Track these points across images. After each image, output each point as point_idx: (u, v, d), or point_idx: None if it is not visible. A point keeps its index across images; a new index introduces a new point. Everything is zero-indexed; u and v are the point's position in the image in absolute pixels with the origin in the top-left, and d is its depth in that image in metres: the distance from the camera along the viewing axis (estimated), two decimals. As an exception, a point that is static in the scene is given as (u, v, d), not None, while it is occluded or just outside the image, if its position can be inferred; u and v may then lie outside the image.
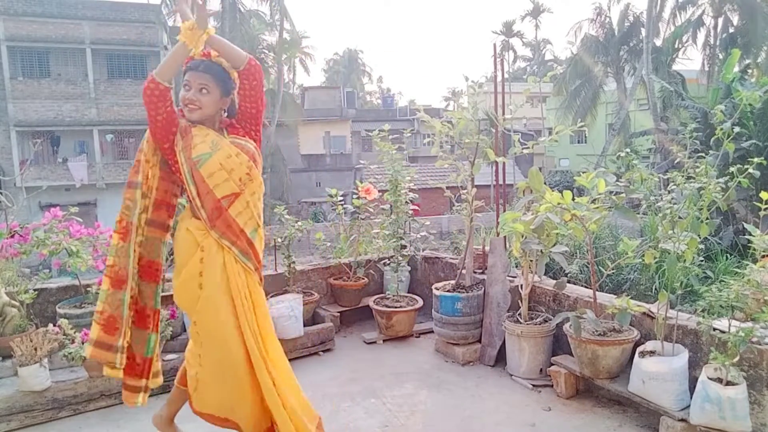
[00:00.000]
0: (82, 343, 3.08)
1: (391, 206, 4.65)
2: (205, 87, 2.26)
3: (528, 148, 3.76)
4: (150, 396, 3.24)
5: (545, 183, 3.34)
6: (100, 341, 2.23)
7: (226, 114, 2.42)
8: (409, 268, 4.85)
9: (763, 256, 2.70)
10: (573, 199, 3.11)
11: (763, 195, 2.67)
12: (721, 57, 24.15)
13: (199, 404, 2.33)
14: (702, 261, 2.97)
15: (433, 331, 4.13)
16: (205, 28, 2.21)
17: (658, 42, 25.28)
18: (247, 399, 2.29)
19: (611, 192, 3.13)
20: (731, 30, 24.86)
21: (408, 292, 4.72)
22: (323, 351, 4.04)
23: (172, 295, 3.73)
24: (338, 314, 4.48)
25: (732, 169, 2.79)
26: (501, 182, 4.22)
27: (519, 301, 3.59)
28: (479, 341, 3.86)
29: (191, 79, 2.26)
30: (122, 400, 2.46)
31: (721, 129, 2.89)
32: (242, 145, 2.33)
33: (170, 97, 2.23)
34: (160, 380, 2.55)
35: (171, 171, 2.35)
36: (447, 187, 4.42)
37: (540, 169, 3.77)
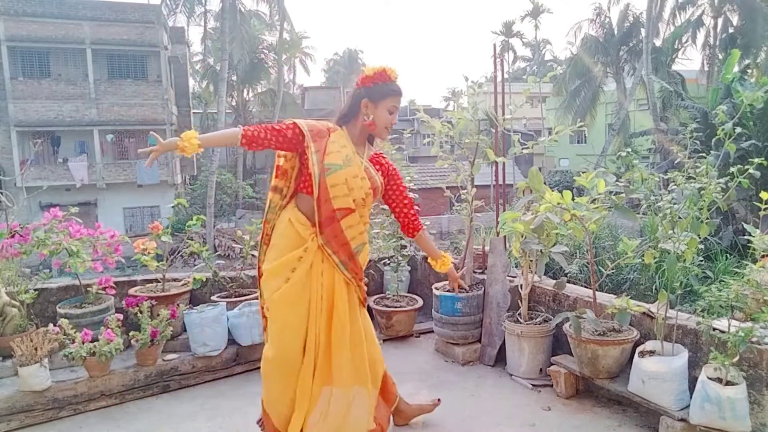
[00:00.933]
0: (83, 343, 3.08)
1: (391, 206, 4.65)
2: (397, 109, 2.48)
3: (528, 148, 3.77)
4: (150, 396, 3.27)
5: (545, 183, 3.34)
6: None
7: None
8: (409, 268, 4.85)
9: (763, 256, 2.71)
10: (573, 199, 3.11)
11: (763, 195, 2.67)
12: (720, 57, 24.18)
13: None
14: (702, 261, 2.97)
15: (433, 331, 4.13)
16: (173, 149, 2.21)
17: (658, 42, 25.29)
18: (287, 399, 2.35)
19: (611, 192, 3.13)
20: (731, 30, 24.87)
21: (408, 292, 4.72)
22: (323, 351, 4.04)
23: (171, 295, 3.75)
24: (338, 314, 4.48)
25: (732, 169, 2.79)
26: (501, 182, 4.22)
27: (519, 301, 3.60)
28: (479, 341, 3.87)
29: (397, 105, 2.47)
30: None
31: (723, 129, 2.89)
32: (370, 173, 2.47)
33: (265, 144, 2.32)
34: None
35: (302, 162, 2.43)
36: (447, 187, 4.43)
37: (540, 169, 3.77)
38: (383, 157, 2.62)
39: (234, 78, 30.90)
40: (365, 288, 2.54)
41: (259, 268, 2.48)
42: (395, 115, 2.46)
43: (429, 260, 2.82)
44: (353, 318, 2.42)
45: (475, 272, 4.13)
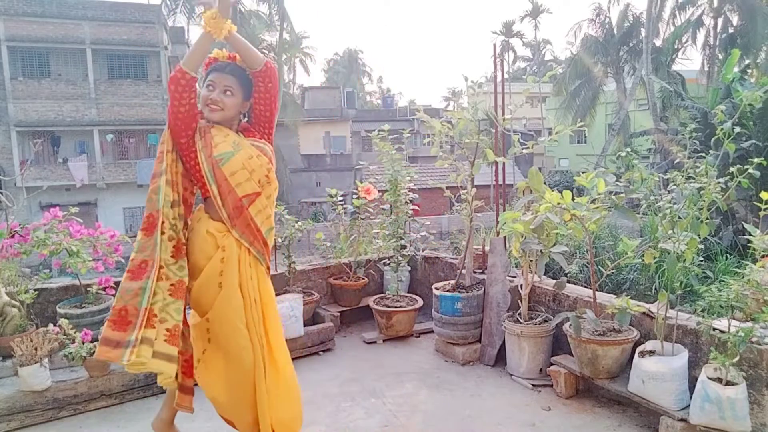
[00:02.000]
0: (83, 343, 3.09)
1: (391, 206, 4.65)
2: (230, 89, 2.28)
3: (528, 148, 3.76)
4: (150, 396, 3.27)
5: (545, 183, 3.34)
6: (106, 338, 2.11)
7: (245, 119, 2.43)
8: (409, 268, 4.85)
9: (763, 256, 2.71)
10: (573, 199, 3.11)
11: (763, 195, 2.67)
12: (720, 57, 24.17)
13: (201, 379, 2.30)
14: (702, 261, 2.97)
15: (433, 331, 4.13)
16: (227, 17, 2.20)
17: (658, 42, 25.29)
18: (248, 403, 2.28)
19: (611, 192, 3.14)
20: (731, 30, 24.86)
21: (408, 292, 4.72)
22: (323, 351, 4.04)
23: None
24: (338, 314, 4.49)
25: (732, 169, 2.79)
26: (501, 182, 4.22)
27: (519, 301, 3.60)
28: (479, 341, 3.87)
29: (216, 80, 2.29)
30: (177, 405, 2.41)
31: (722, 129, 2.89)
32: (261, 148, 2.35)
33: (195, 89, 2.23)
34: None
35: (187, 168, 2.35)
36: (447, 187, 4.43)
37: (540, 169, 3.77)
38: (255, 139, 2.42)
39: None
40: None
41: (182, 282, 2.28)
42: (217, 91, 2.26)
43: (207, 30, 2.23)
44: (273, 306, 2.40)
45: (475, 272, 4.13)
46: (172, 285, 2.23)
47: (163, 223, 2.22)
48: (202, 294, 2.26)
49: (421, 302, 4.41)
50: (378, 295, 4.62)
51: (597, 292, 3.27)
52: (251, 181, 2.27)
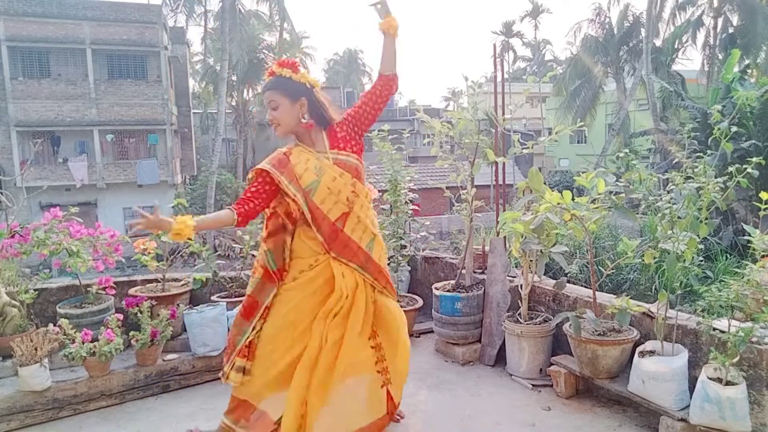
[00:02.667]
0: (83, 343, 3.08)
1: (391, 206, 4.65)
2: (274, 102, 2.35)
3: (528, 148, 3.76)
4: (150, 396, 3.28)
5: (545, 183, 3.34)
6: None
7: (307, 119, 2.41)
8: (409, 268, 4.85)
9: (763, 256, 2.70)
10: (573, 199, 3.11)
11: (763, 195, 2.67)
12: (720, 57, 24.15)
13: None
14: (701, 261, 2.97)
15: (433, 331, 4.13)
16: (387, 12, 2.34)
17: (658, 42, 25.28)
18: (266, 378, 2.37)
19: (611, 192, 3.14)
20: (731, 30, 24.84)
21: (408, 292, 4.72)
22: (323, 351, 4.03)
23: (171, 295, 3.76)
24: (338, 314, 4.48)
25: (730, 168, 2.79)
26: (501, 182, 4.22)
27: (519, 301, 3.60)
28: (479, 341, 3.87)
29: (265, 100, 2.40)
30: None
31: (719, 129, 2.89)
32: (344, 163, 2.38)
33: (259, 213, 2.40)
34: None
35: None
36: (447, 187, 4.42)
37: (540, 169, 3.77)
38: (337, 126, 2.45)
39: (234, 78, 30.88)
40: (390, 284, 2.50)
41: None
42: (269, 110, 2.39)
43: (388, 33, 2.39)
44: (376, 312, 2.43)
45: (475, 272, 4.13)
46: None
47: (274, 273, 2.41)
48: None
49: (421, 302, 4.41)
50: (378, 295, 4.62)
51: (597, 292, 3.27)
52: (339, 203, 2.32)
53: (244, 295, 3.91)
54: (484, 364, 3.76)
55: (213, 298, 3.96)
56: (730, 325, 2.55)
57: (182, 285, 3.89)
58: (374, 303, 2.44)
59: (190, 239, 2.31)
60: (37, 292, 3.63)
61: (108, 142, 22.80)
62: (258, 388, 2.39)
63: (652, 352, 2.83)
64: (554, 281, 3.56)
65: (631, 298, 3.20)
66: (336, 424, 2.32)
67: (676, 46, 24.86)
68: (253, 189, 2.33)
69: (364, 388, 2.41)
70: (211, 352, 3.44)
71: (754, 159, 2.79)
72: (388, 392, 2.52)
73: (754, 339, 2.46)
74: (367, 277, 2.38)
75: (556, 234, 3.26)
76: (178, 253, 4.36)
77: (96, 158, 22.35)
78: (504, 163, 4.05)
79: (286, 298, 2.38)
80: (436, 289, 3.99)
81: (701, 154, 2.95)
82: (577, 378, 3.19)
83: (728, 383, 2.45)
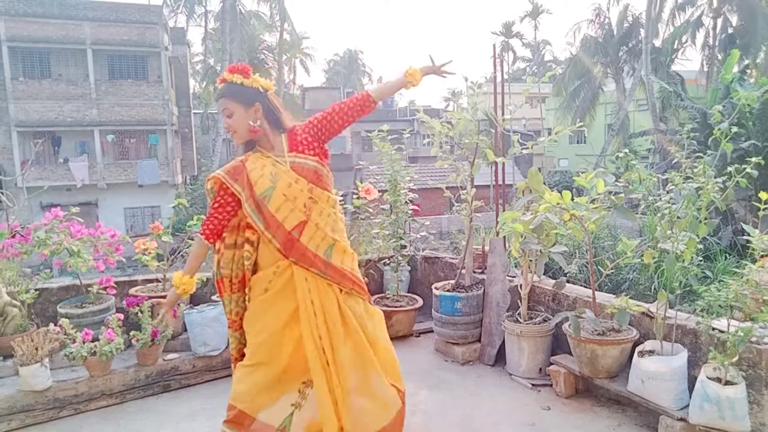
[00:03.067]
0: (83, 343, 3.09)
1: (391, 206, 4.66)
2: (227, 110, 2.31)
3: (527, 148, 3.77)
4: (151, 396, 3.28)
5: (544, 183, 3.35)
6: None
7: (257, 124, 2.34)
8: (409, 268, 4.85)
9: (762, 256, 2.71)
10: (572, 199, 3.11)
11: (762, 195, 2.67)
12: (720, 57, 24.15)
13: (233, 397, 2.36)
14: (701, 261, 2.98)
15: (432, 331, 4.14)
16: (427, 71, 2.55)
17: (657, 42, 25.27)
18: (265, 396, 2.33)
19: (610, 192, 3.14)
20: (730, 30, 24.83)
21: (408, 292, 4.73)
22: (323, 351, 4.04)
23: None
24: (338, 314, 4.48)
25: (730, 169, 2.80)
26: (500, 182, 4.23)
27: (518, 301, 3.60)
28: (479, 341, 3.87)
29: (219, 108, 2.36)
30: None
31: (719, 129, 2.90)
32: (301, 166, 2.32)
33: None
34: None
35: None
36: (447, 187, 4.43)
37: (539, 169, 3.78)
38: (299, 129, 2.40)
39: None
40: (359, 285, 2.42)
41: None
42: (225, 119, 2.34)
43: (407, 80, 2.46)
44: (346, 317, 2.37)
45: (475, 272, 4.13)
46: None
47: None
48: (253, 289, 2.41)
49: (421, 302, 4.42)
50: (378, 295, 4.63)
51: (596, 292, 3.28)
52: (296, 210, 2.27)
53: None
54: (484, 363, 3.76)
55: (213, 298, 3.96)
56: (729, 324, 2.56)
57: (182, 285, 3.89)
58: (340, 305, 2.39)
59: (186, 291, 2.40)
60: (37, 292, 3.64)
61: (108, 142, 22.80)
62: (252, 397, 2.35)
63: (651, 352, 2.84)
64: (554, 281, 3.57)
65: (630, 297, 3.21)
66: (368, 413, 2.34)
67: (675, 47, 24.85)
68: (215, 205, 2.32)
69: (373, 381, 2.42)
70: (212, 352, 3.45)
71: (754, 159, 2.79)
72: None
73: (754, 339, 2.47)
74: (329, 280, 2.34)
75: (556, 234, 3.26)
76: (179, 253, 4.37)
77: (97, 158, 22.36)
78: (504, 164, 4.06)
79: (259, 310, 2.35)
80: (436, 288, 4.00)
81: (701, 155, 2.96)
82: (577, 378, 3.20)
83: (727, 383, 2.45)
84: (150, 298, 3.50)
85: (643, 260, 3.06)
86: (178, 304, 3.61)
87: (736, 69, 13.74)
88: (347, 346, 2.36)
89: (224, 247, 2.38)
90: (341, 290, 2.38)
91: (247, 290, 2.38)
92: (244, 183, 2.26)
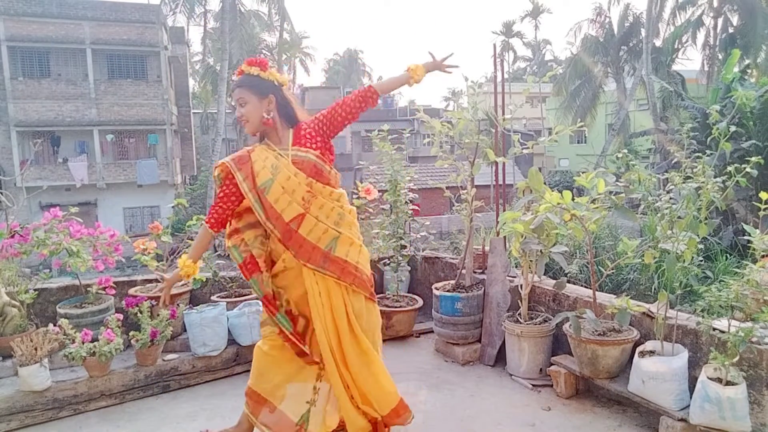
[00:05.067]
0: (83, 343, 3.09)
1: (391, 206, 4.65)
2: (242, 99, 2.39)
3: (528, 148, 3.76)
4: (150, 396, 3.28)
5: (545, 183, 3.34)
6: None
7: (270, 115, 2.40)
8: (409, 268, 4.85)
9: (763, 256, 2.70)
10: (573, 199, 3.11)
11: (763, 195, 2.67)
12: (720, 57, 24.15)
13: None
14: (701, 261, 2.97)
15: (433, 331, 4.13)
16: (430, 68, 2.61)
17: (658, 42, 25.28)
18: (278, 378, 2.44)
19: (611, 192, 3.14)
20: (731, 30, 24.84)
21: (408, 292, 4.72)
22: (323, 351, 4.03)
23: (171, 295, 3.75)
24: (338, 314, 4.48)
25: (730, 168, 2.79)
26: (501, 182, 4.22)
27: (519, 301, 3.60)
28: (479, 341, 3.87)
29: (234, 98, 2.44)
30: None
31: (717, 129, 2.89)
32: (301, 160, 2.37)
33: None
34: None
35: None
36: (447, 187, 4.42)
37: (540, 169, 3.77)
38: (305, 124, 2.45)
39: (234, 78, 30.94)
40: (360, 279, 2.41)
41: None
42: (238, 107, 2.41)
43: (409, 75, 2.50)
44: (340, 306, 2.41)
45: (475, 272, 4.13)
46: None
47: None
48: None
49: (421, 302, 4.41)
50: (378, 295, 4.62)
51: (597, 292, 3.27)
52: (293, 203, 2.31)
53: (244, 295, 3.94)
54: (484, 364, 3.76)
55: (213, 298, 3.96)
56: (729, 325, 2.55)
57: (182, 285, 3.89)
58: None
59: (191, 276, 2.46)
60: (37, 292, 3.63)
61: (108, 142, 22.79)
62: (273, 384, 2.44)
63: (652, 352, 2.83)
64: (554, 281, 3.56)
65: (631, 298, 3.21)
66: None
67: (676, 46, 24.85)
68: (221, 194, 2.39)
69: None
70: (211, 352, 3.44)
71: (754, 159, 2.79)
72: None
73: (754, 339, 2.46)
74: (329, 276, 2.35)
75: (556, 234, 3.25)
76: (178, 253, 4.37)
77: (96, 158, 22.34)
78: (504, 163, 4.05)
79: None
80: (436, 289, 3.99)
81: (701, 154, 2.95)
82: (577, 378, 3.19)
83: (728, 383, 2.45)
84: (149, 298, 3.50)
85: (643, 260, 3.06)
86: (178, 305, 3.61)
87: (736, 69, 13.74)
88: (352, 342, 2.41)
89: (246, 227, 2.43)
90: (340, 285, 2.40)
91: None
92: (247, 172, 2.33)
